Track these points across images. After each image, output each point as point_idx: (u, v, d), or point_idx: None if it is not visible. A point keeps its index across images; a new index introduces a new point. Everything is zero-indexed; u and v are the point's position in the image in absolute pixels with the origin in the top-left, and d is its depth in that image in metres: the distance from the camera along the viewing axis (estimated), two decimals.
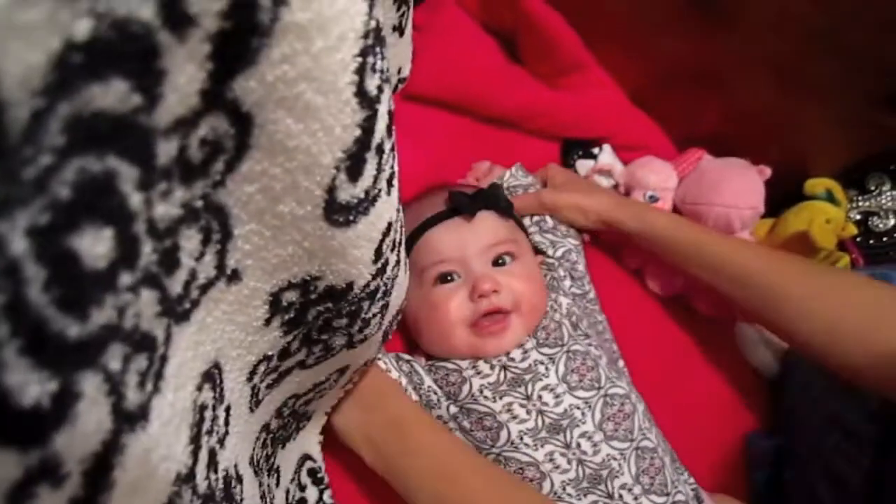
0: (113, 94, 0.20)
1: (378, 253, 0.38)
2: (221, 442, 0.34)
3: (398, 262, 0.44)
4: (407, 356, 0.64)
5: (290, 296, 0.35)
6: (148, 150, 0.22)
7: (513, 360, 0.59)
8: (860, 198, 0.83)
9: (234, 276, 0.31)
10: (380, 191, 0.35)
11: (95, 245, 0.21)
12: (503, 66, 0.85)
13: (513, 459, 0.55)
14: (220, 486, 0.33)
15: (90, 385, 0.21)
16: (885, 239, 0.82)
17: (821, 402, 0.68)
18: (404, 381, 0.60)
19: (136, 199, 0.22)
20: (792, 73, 0.74)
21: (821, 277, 0.62)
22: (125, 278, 0.22)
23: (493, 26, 0.87)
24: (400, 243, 0.43)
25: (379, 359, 0.60)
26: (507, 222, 0.67)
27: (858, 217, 0.83)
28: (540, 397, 0.57)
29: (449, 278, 0.62)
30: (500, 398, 0.57)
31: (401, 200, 0.41)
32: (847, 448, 0.64)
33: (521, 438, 0.56)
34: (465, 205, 0.63)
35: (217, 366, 0.32)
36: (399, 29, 0.61)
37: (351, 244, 0.35)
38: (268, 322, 0.35)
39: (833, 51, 0.70)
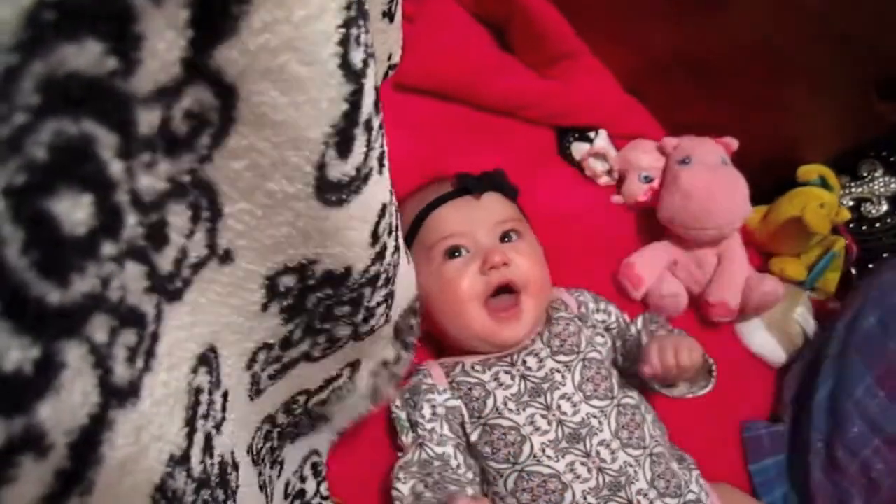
0: (87, 56, 0.20)
1: (374, 236, 0.37)
2: (218, 427, 0.33)
3: (397, 248, 0.43)
4: (428, 382, 0.60)
5: (288, 280, 0.35)
6: (127, 116, 0.22)
7: (529, 369, 0.60)
8: (852, 184, 0.83)
9: (227, 257, 0.31)
10: (371, 169, 0.34)
11: (74, 210, 0.20)
12: (494, 55, 0.85)
13: (535, 473, 0.55)
14: (216, 471, 0.33)
15: (74, 355, 0.21)
16: (877, 225, 0.82)
17: (861, 405, 0.68)
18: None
19: (116, 168, 0.22)
20: (784, 59, 0.74)
21: None
22: (108, 248, 0.22)
23: (484, 16, 0.87)
24: (397, 228, 0.43)
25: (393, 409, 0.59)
26: (512, 204, 0.68)
27: (851, 203, 0.83)
28: (559, 406, 0.58)
29: (457, 253, 0.62)
30: (524, 410, 0.57)
31: (393, 184, 0.40)
32: (886, 454, 0.65)
33: (544, 451, 0.56)
34: (472, 184, 0.65)
35: (213, 349, 0.32)
36: (389, 15, 0.61)
37: (345, 225, 0.34)
38: (265, 307, 0.35)
39: (826, 37, 0.70)
